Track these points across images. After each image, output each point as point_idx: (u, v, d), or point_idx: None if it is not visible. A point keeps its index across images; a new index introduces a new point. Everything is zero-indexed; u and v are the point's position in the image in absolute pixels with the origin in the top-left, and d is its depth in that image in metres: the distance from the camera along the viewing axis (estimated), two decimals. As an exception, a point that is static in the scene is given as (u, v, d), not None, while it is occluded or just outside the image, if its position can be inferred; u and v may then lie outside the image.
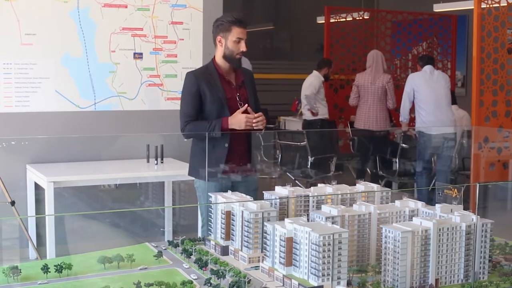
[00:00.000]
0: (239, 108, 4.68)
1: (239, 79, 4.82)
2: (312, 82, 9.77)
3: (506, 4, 7.93)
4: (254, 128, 4.63)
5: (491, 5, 7.85)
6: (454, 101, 8.88)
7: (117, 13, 6.45)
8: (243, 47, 4.70)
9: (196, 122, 4.72)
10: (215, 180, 4.76)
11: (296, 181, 8.55)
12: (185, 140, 4.97)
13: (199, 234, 4.98)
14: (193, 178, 4.93)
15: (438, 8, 11.84)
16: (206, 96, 4.70)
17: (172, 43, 6.70)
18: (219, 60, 4.77)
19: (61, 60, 6.30)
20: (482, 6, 7.79)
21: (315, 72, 9.84)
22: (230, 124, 4.61)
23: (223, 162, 4.72)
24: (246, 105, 4.68)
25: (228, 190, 4.00)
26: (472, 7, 7.88)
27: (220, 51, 4.75)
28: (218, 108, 4.69)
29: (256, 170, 5.02)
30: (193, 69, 5.03)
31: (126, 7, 6.48)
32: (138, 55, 6.56)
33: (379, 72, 9.51)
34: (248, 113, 4.66)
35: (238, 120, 4.61)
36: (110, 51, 6.46)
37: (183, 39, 6.75)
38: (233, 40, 4.68)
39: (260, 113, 4.66)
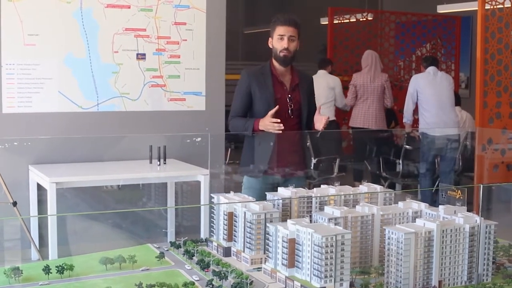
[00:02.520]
0: (288, 109, 4.81)
1: (294, 82, 4.91)
2: (336, 80, 9.72)
3: (510, 5, 7.92)
4: (273, 131, 4.68)
5: (495, 6, 7.84)
6: (457, 102, 8.87)
7: (120, 13, 6.45)
8: (285, 43, 4.78)
9: (239, 118, 4.88)
10: (259, 178, 4.91)
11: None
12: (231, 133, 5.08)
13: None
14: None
15: (442, 9, 11.81)
16: (256, 95, 4.84)
17: (175, 44, 6.69)
18: (274, 61, 4.90)
19: (64, 61, 6.29)
20: (486, 7, 7.78)
21: (323, 71, 9.73)
22: (260, 125, 4.72)
23: (267, 160, 4.90)
24: (277, 106, 4.73)
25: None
26: (476, 8, 7.87)
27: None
28: (266, 108, 4.79)
29: (303, 170, 5.11)
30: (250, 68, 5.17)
31: (129, 7, 6.48)
32: (141, 56, 6.55)
33: (377, 71, 9.55)
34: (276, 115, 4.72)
35: (264, 124, 4.70)
36: (113, 51, 6.45)
37: (186, 40, 6.74)
38: (276, 38, 4.83)
39: (278, 120, 4.67)
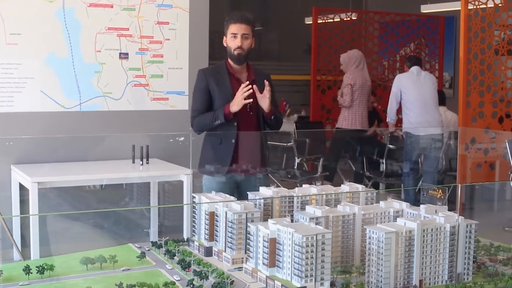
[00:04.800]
0: (247, 105, 4.75)
1: (250, 78, 4.90)
2: None
3: (493, 5, 7.95)
4: (245, 99, 4.68)
5: (478, 6, 7.86)
6: (443, 102, 8.89)
7: (102, 13, 6.42)
8: (238, 42, 4.77)
9: (202, 114, 4.85)
10: (220, 177, 4.90)
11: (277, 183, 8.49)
12: (198, 134, 5.00)
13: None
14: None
15: (425, 9, 11.85)
16: (214, 92, 4.84)
17: (158, 43, 6.68)
18: (229, 59, 4.90)
19: (46, 60, 6.26)
20: (469, 7, 7.80)
21: None
22: (231, 107, 4.72)
23: (229, 158, 4.84)
24: (245, 84, 4.72)
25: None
26: (459, 8, 7.89)
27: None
28: (225, 104, 4.77)
29: (264, 168, 5.08)
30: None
31: (112, 7, 6.45)
32: (123, 55, 6.53)
33: (367, 71, 9.51)
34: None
35: (235, 100, 4.71)
36: (96, 51, 6.42)
37: (169, 39, 6.72)
38: (229, 37, 4.82)
39: (246, 82, 4.73)
